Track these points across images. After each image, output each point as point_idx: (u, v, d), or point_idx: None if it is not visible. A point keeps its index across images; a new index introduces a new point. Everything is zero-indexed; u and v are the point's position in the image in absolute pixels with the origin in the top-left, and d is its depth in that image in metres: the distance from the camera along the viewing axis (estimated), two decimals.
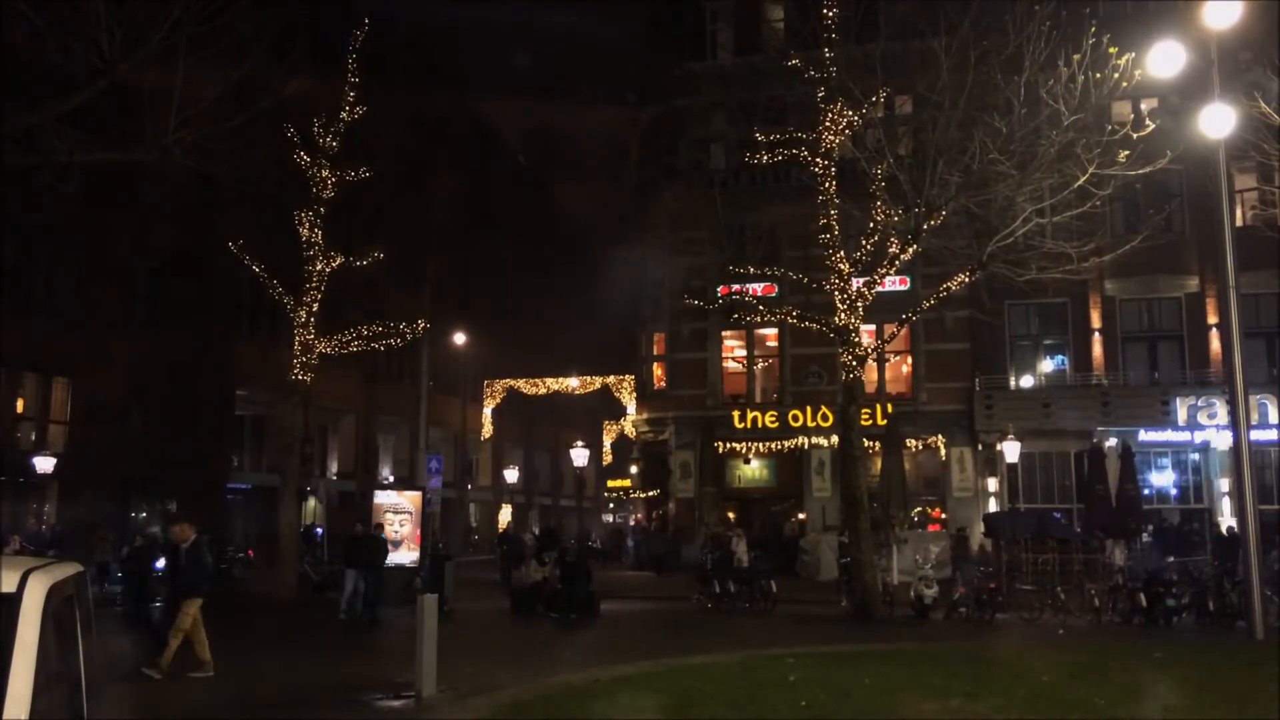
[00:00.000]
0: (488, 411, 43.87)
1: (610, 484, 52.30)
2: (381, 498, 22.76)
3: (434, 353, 35.87)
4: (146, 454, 30.83)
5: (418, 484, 28.45)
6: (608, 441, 47.28)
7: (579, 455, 36.21)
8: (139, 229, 31.09)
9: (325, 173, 23.83)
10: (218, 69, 18.96)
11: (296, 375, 23.69)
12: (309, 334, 23.69)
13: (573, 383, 42.01)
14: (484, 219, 51.00)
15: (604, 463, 50.42)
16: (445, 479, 40.92)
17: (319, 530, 32.26)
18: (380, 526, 20.69)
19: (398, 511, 21.95)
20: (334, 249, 24.13)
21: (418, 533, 22.18)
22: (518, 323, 50.81)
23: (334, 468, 43.05)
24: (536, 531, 32.77)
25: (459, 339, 40.34)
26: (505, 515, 53.13)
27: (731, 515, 33.67)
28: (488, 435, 45.45)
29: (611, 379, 40.98)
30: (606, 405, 44.68)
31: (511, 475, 50.62)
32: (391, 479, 44.55)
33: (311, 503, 37.65)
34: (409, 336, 25.06)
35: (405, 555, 21.76)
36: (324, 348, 24.03)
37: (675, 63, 34.47)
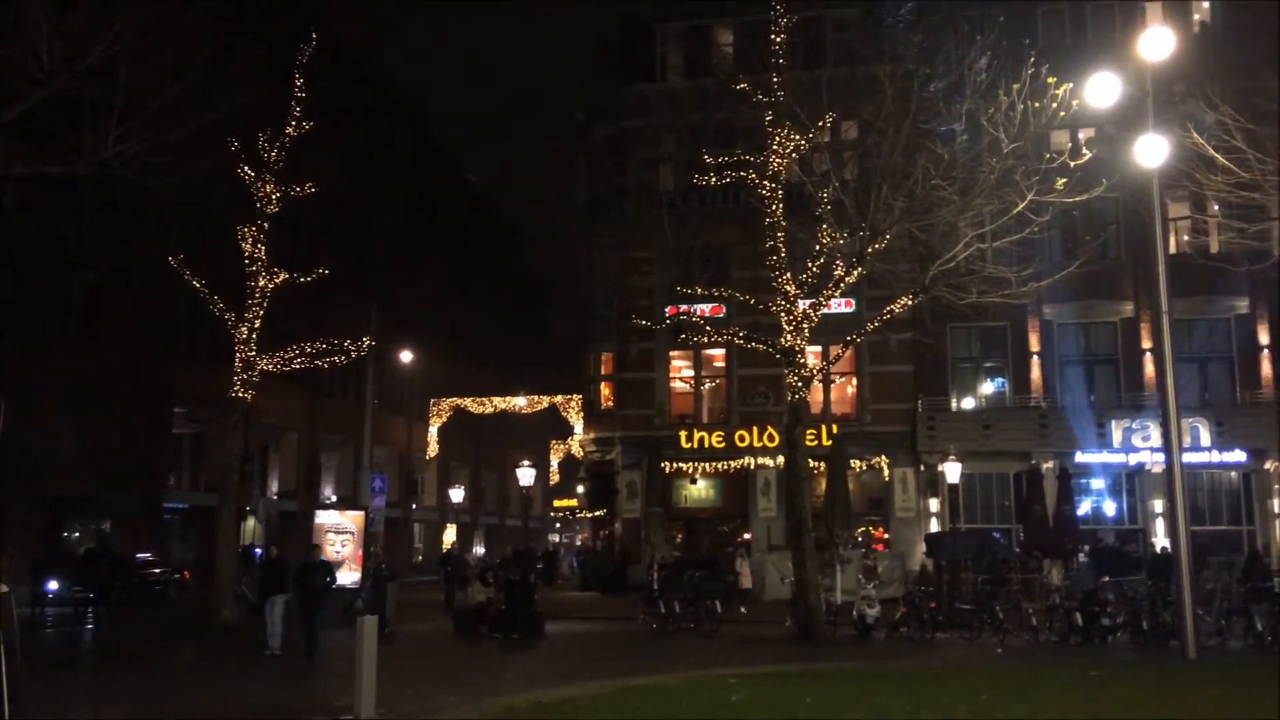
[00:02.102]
0: (434, 430, 43.49)
1: (557, 503, 52.10)
2: (323, 517, 22.45)
3: (380, 371, 35.52)
4: (80, 472, 30.11)
5: (361, 503, 28.11)
6: (555, 461, 47.11)
7: (525, 475, 36.06)
8: (76, 242, 30.47)
9: (269, 187, 23.57)
10: (160, 82, 18.73)
11: (237, 392, 23.31)
12: (251, 351, 23.34)
13: (520, 402, 41.83)
14: (433, 236, 50.79)
15: (551, 482, 50.19)
16: (389, 498, 40.45)
17: (258, 551, 31.66)
18: (318, 549, 19.73)
19: (339, 531, 21.65)
20: (278, 265, 23.84)
21: (360, 553, 21.88)
22: (466, 341, 50.56)
23: (275, 487, 42.38)
24: (509, 553, 32.75)
25: (405, 357, 40.01)
26: (450, 535, 52.64)
27: (678, 535, 33.72)
28: (433, 454, 45.04)
29: (559, 398, 40.87)
30: (554, 425, 44.55)
31: (457, 495, 50.20)
32: (334, 498, 43.96)
33: (251, 522, 37.00)
34: (354, 354, 24.79)
35: (346, 576, 21.45)
36: (266, 365, 23.69)
37: (625, 84, 34.68)
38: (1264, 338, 29.93)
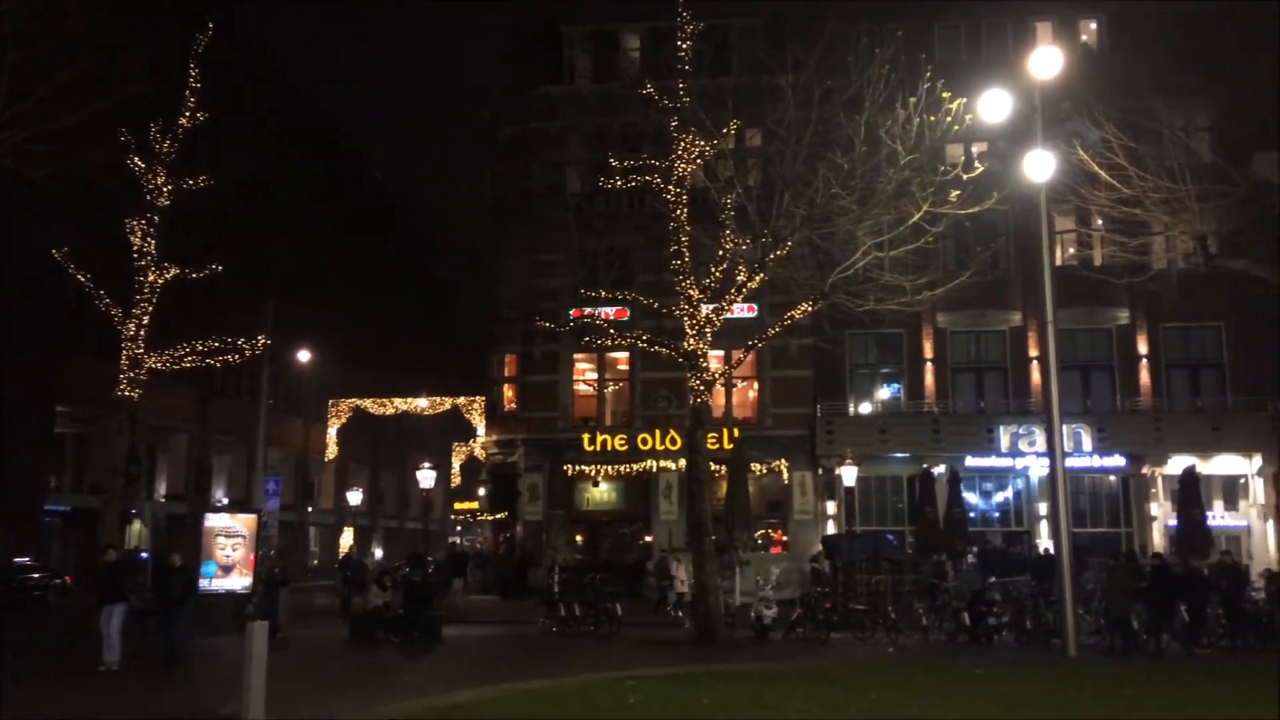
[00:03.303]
0: (332, 432, 42.59)
1: (458, 506, 51.54)
2: (213, 520, 21.77)
3: (277, 370, 34.67)
4: None
5: (254, 506, 27.37)
6: (457, 463, 46.60)
7: (426, 477, 35.55)
8: None
9: (161, 180, 22.79)
10: (48, 67, 18.00)
11: (124, 391, 22.46)
12: (138, 348, 22.53)
13: (422, 403, 41.29)
14: (336, 235, 49.79)
15: (452, 485, 49.63)
16: (284, 501, 39.53)
17: (144, 555, 30.56)
18: (175, 553, 18.35)
19: (230, 535, 21.04)
20: (168, 260, 23.06)
21: (251, 557, 21.30)
22: (368, 342, 49.68)
23: (163, 489, 41.00)
24: (443, 555, 32.32)
25: (304, 357, 39.11)
26: (347, 538, 51.61)
27: (580, 538, 33.68)
28: (331, 456, 44.12)
29: (462, 400, 40.47)
30: (456, 427, 44.07)
31: (355, 497, 49.26)
32: (226, 501, 42.72)
33: (137, 526, 35.69)
34: (249, 353, 24.12)
35: (237, 581, 20.87)
36: (154, 363, 22.88)
37: (533, 86, 34.54)
38: (1143, 348, 31.32)
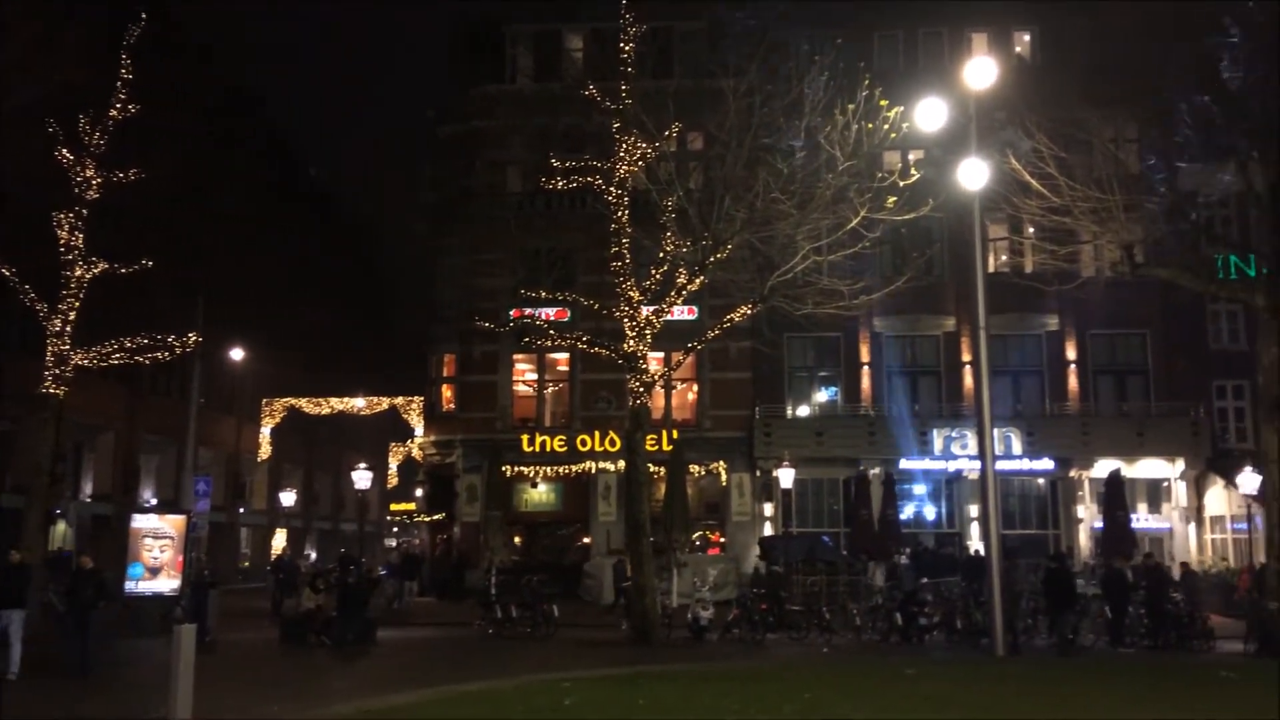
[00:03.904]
0: (266, 431, 41.82)
1: (394, 507, 50.95)
2: (140, 521, 21.25)
3: (208, 368, 33.97)
4: None
5: (183, 507, 26.80)
6: (394, 464, 46.04)
7: (362, 478, 35.08)
8: None
9: (90, 172, 22.22)
10: None
11: (48, 388, 21.85)
12: (64, 344, 21.92)
13: (359, 403, 40.72)
14: (272, 231, 48.96)
15: (388, 485, 49.05)
16: (215, 502, 38.75)
17: (68, 554, 29.72)
18: (85, 556, 17.89)
19: (158, 536, 20.56)
20: (97, 254, 22.48)
21: (180, 559, 20.85)
22: (304, 340, 48.88)
23: (89, 489, 39.93)
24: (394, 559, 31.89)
25: (236, 354, 38.40)
26: (279, 540, 50.75)
27: (517, 539, 33.54)
28: (265, 456, 43.32)
29: (400, 400, 40.00)
30: (394, 427, 43.55)
31: (288, 498, 48.44)
32: (154, 501, 41.76)
33: (61, 526, 34.73)
34: (180, 350, 23.60)
35: (165, 583, 20.41)
36: (81, 359, 22.29)
37: (475, 84, 34.33)
38: (1071, 354, 32.07)
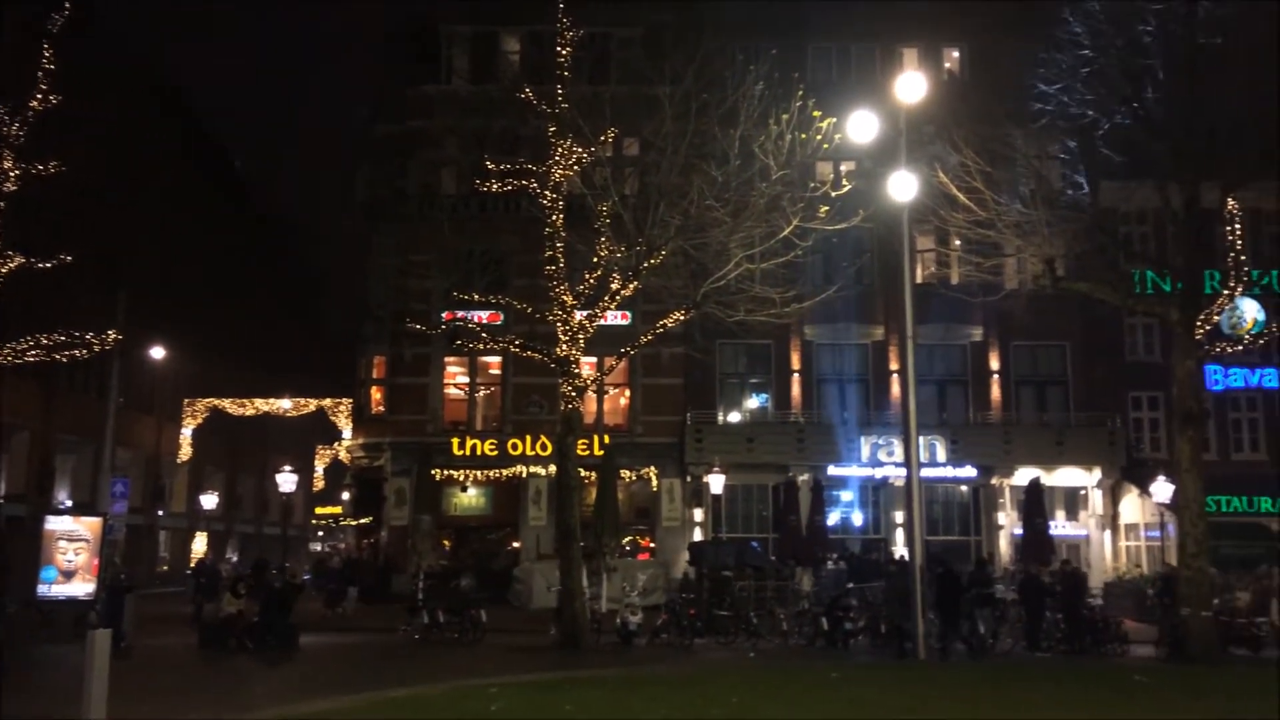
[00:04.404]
0: (187, 432, 40.98)
1: (320, 511, 50.22)
2: (55, 523, 20.61)
3: (128, 367, 33.10)
4: None
5: (100, 509, 26.06)
6: (320, 467, 45.44)
7: (287, 480, 34.42)
8: None
9: (8, 164, 21.50)
10: None
11: None
12: None
13: (285, 404, 40.11)
14: (197, 227, 47.91)
15: (314, 489, 48.34)
16: (133, 504, 37.77)
17: None
18: None
19: (73, 539, 19.95)
20: (12, 249, 21.76)
21: (95, 562, 20.26)
22: (229, 339, 47.89)
23: (2, 489, 38.60)
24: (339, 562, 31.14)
25: (157, 353, 37.49)
26: (200, 544, 49.62)
27: (446, 544, 33.24)
28: (185, 457, 42.38)
29: (328, 402, 39.51)
30: (321, 429, 42.95)
31: (210, 501, 47.39)
32: (70, 503, 40.53)
33: None
34: (98, 348, 22.96)
35: (80, 587, 19.82)
36: None
37: (410, 84, 33.99)
38: (994, 364, 32.81)
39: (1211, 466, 23.76)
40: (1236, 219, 20.12)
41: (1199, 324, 19.53)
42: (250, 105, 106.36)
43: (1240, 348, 22.21)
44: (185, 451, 41.61)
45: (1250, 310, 29.78)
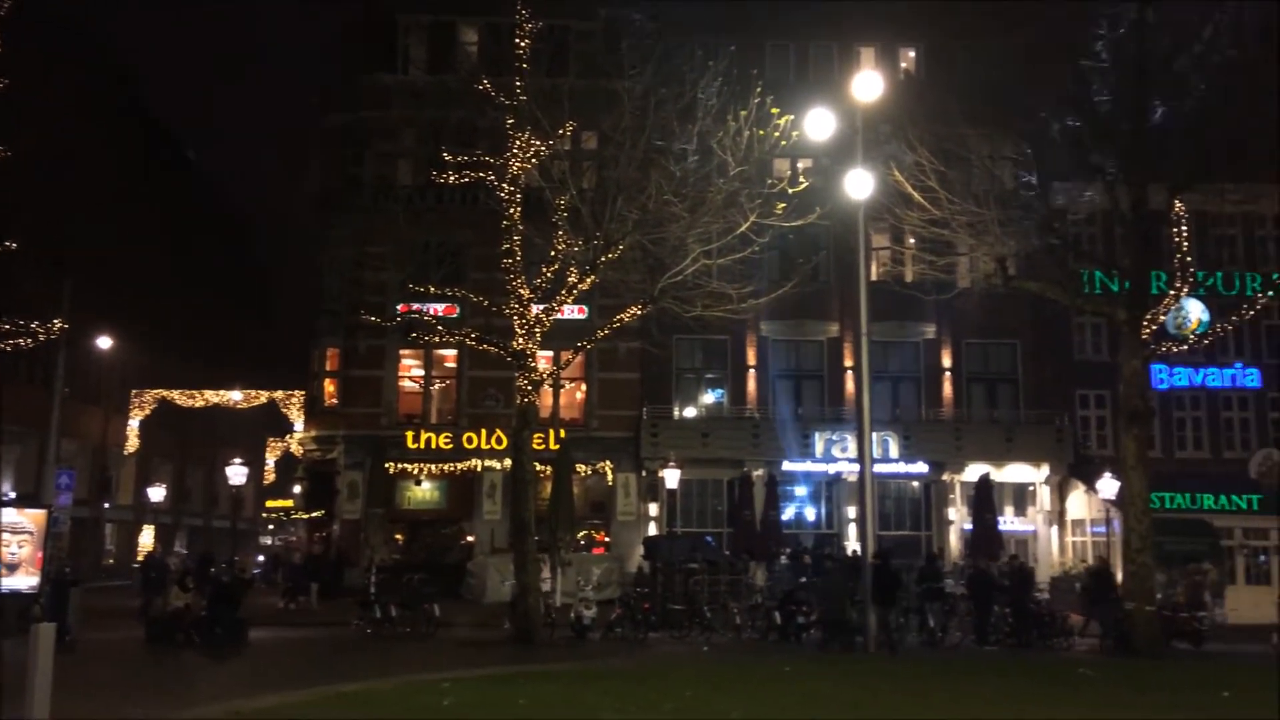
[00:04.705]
0: (134, 423, 40.21)
1: (270, 504, 49.55)
2: None
3: (74, 357, 32.44)
4: None
5: (44, 501, 25.54)
6: (271, 459, 44.82)
7: (237, 473, 33.95)
8: None
9: None
10: None
11: None
12: None
13: (236, 396, 39.47)
14: (147, 216, 47.05)
15: (265, 482, 47.69)
16: (79, 496, 37.03)
17: None
18: None
19: (16, 531, 19.49)
20: None
21: (39, 555, 19.83)
22: (179, 329, 47.08)
23: None
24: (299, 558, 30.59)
25: (104, 343, 36.77)
26: (147, 537, 48.79)
27: (399, 538, 32.99)
28: (133, 449, 41.62)
29: (280, 394, 38.92)
30: (272, 421, 42.36)
31: (157, 493, 46.58)
32: (13, 495, 39.67)
33: None
34: (43, 337, 22.50)
35: (23, 580, 19.38)
36: None
37: (366, 73, 33.64)
38: (947, 361, 33.20)
39: (1156, 464, 24.25)
40: (1183, 221, 20.54)
41: (1145, 324, 19.91)
42: (204, 93, 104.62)
43: (1185, 347, 22.69)
44: (133, 443, 40.84)
45: (1195, 311, 30.51)
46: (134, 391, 40.48)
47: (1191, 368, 32.39)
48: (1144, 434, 20.17)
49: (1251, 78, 19.38)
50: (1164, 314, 20.59)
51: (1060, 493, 32.51)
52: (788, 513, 31.26)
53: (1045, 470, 32.22)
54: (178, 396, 39.66)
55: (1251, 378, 32.97)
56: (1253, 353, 33.14)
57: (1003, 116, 22.49)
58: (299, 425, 37.11)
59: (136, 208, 45.58)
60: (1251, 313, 22.24)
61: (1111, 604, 20.43)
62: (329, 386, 34.32)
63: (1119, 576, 21.25)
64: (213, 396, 39.58)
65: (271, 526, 57.93)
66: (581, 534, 31.33)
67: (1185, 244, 20.47)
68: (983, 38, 28.69)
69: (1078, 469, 31.77)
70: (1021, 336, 33.03)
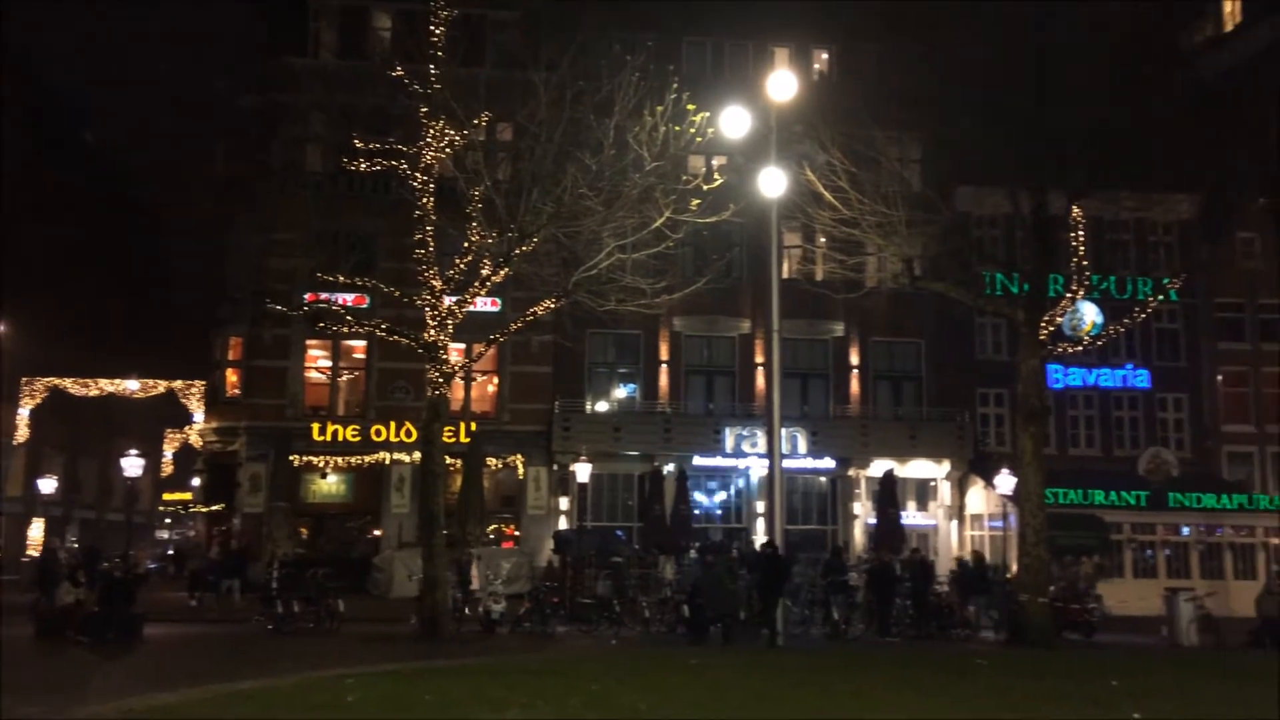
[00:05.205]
0: (24, 413, 38.63)
1: (168, 497, 48.16)
2: None
3: None
4: None
5: None
6: (169, 451, 43.54)
7: (132, 465, 32.85)
8: None
9: None
10: None
11: None
12: None
13: (132, 385, 38.24)
14: (38, 197, 45.17)
15: (163, 474, 46.28)
16: None
17: None
18: None
19: None
20: None
21: None
22: (71, 315, 45.35)
23: None
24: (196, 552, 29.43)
25: None
26: (36, 530, 46.95)
27: (304, 531, 32.34)
28: (22, 439, 39.99)
29: (179, 384, 37.87)
30: (171, 411, 41.15)
31: (48, 485, 44.85)
32: None
33: None
34: None
35: None
36: None
37: (274, 56, 32.81)
38: (854, 359, 33.86)
39: (1051, 460, 25.12)
40: (1080, 226, 21.25)
41: (1043, 325, 20.57)
42: (102, 72, 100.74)
43: (1080, 348, 23.48)
44: (22, 433, 39.23)
45: (1089, 313, 31.44)
46: (24, 379, 38.91)
47: (1085, 368, 33.61)
48: (1040, 432, 20.85)
49: (1148, 88, 20.16)
50: (1061, 316, 21.27)
51: (960, 488, 33.43)
52: (698, 507, 31.53)
53: (947, 466, 33.09)
54: (70, 385, 38.25)
55: (1141, 378, 34.37)
56: (1143, 354, 34.56)
57: (911, 119, 22.98)
58: (199, 416, 36.14)
59: (29, 191, 43.78)
60: (1142, 316, 23.18)
61: (991, 591, 21.07)
62: (231, 376, 33.46)
63: (1013, 567, 21.94)
64: (108, 385, 38.27)
65: (169, 520, 56.21)
66: (491, 528, 31.13)
67: (1082, 248, 21.18)
68: (893, 42, 29.40)
69: (977, 465, 32.71)
70: (926, 336, 33.86)
